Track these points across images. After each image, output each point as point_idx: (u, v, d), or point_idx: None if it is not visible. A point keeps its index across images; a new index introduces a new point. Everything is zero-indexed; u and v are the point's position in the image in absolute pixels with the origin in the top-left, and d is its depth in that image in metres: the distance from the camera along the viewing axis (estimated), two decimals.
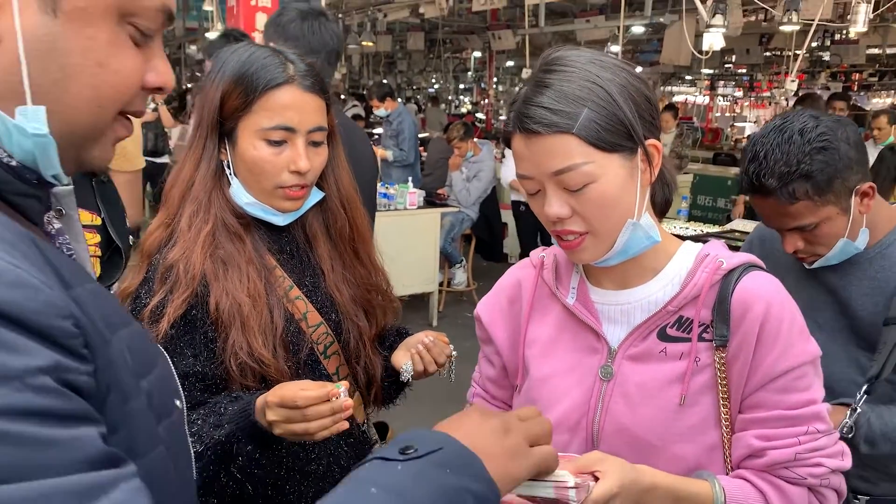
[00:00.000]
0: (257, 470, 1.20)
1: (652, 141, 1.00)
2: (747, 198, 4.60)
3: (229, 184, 1.25)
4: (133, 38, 0.61)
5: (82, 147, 0.62)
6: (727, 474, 1.05)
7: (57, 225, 0.67)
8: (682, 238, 1.13)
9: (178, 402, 0.69)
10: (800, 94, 4.87)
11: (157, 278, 1.19)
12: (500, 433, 0.71)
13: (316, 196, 1.31)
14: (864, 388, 1.40)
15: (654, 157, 1.00)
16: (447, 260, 6.47)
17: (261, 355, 1.17)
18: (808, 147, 1.34)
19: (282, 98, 1.19)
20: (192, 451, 0.72)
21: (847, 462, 1.05)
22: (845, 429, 1.37)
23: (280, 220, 1.27)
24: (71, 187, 0.66)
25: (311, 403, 1.05)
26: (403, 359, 1.34)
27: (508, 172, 6.40)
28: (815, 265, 1.47)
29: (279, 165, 1.21)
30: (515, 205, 6.63)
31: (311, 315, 1.27)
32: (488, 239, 6.93)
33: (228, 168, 1.24)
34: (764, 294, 1.00)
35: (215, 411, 1.14)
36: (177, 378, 0.72)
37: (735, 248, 1.15)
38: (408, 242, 5.58)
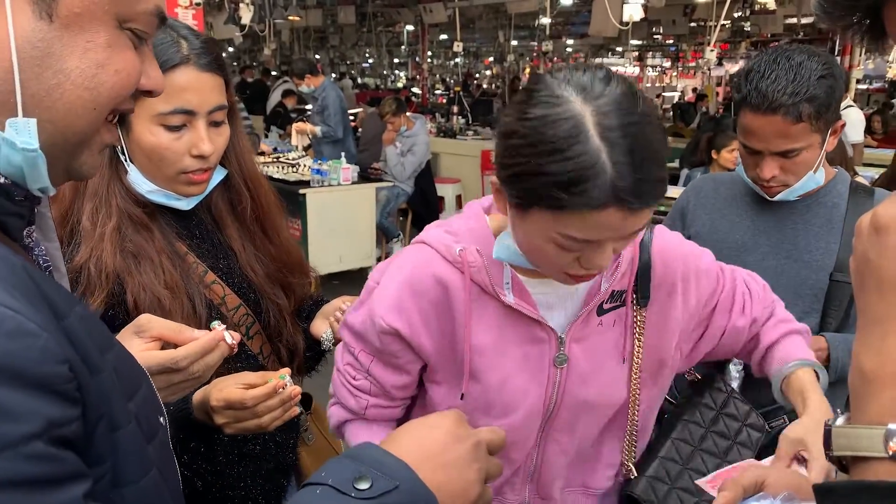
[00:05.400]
0: (203, 463, 1.22)
1: None
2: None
3: (126, 171, 1.17)
4: (131, 42, 0.60)
5: (72, 155, 0.60)
6: (629, 395, 1.15)
7: (35, 236, 0.65)
8: None
9: (161, 420, 0.67)
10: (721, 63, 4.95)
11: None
12: (466, 464, 0.70)
13: (219, 174, 1.26)
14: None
15: None
16: (384, 235, 6.50)
17: None
18: (816, 73, 1.43)
19: (178, 80, 1.11)
20: (177, 466, 0.70)
21: None
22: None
23: (185, 205, 1.22)
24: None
25: (260, 401, 1.06)
26: (322, 327, 1.35)
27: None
28: (778, 197, 1.57)
29: (180, 151, 1.15)
30: None
31: (229, 298, 1.25)
32: (425, 213, 7.00)
33: (123, 155, 1.17)
34: (674, 247, 1.14)
35: None
36: (157, 393, 0.70)
37: (660, 213, 1.23)
38: (343, 218, 5.57)
